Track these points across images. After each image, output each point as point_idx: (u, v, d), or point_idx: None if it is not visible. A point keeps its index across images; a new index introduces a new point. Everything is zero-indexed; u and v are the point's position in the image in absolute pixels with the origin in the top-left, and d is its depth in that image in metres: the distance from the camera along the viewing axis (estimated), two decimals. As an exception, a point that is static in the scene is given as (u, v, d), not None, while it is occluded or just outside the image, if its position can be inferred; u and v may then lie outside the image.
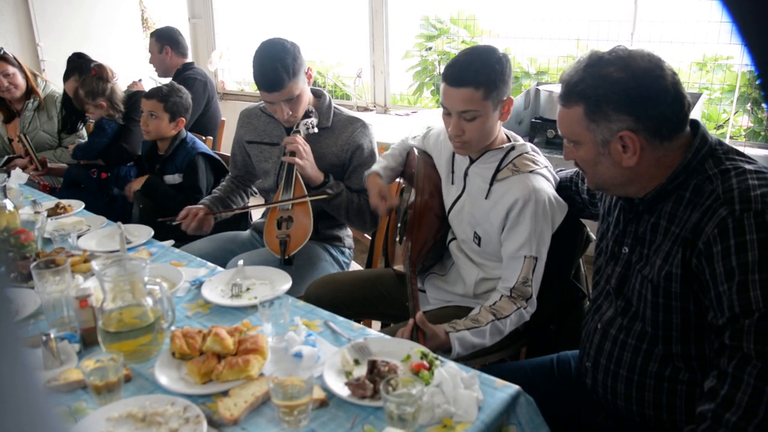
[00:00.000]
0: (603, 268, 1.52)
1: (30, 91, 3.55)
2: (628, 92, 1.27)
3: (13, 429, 0.29)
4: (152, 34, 3.95)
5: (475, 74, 1.66)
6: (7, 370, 0.30)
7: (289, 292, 1.75)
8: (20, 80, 3.50)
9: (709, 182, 1.26)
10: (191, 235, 2.33)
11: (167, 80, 3.49)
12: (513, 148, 1.79)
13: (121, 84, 3.36)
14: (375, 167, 2.12)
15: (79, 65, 3.27)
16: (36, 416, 0.31)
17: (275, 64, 2.07)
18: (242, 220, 2.77)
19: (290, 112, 2.16)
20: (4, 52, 3.46)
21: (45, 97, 3.57)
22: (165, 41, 3.93)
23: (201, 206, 2.35)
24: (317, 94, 2.31)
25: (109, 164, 3.22)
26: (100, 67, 3.15)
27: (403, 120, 4.49)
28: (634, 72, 1.27)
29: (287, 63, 2.08)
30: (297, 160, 2.10)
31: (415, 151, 2.05)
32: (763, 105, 3.50)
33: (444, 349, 1.64)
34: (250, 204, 2.63)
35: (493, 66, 1.67)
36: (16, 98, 3.53)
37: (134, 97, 3.27)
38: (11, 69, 3.45)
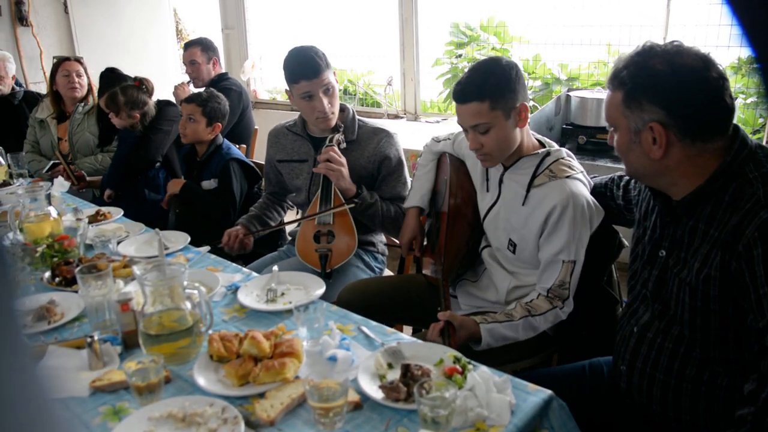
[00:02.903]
0: (639, 273, 1.51)
1: (84, 98, 3.74)
2: (663, 85, 1.27)
3: None
4: (195, 44, 4.02)
5: (478, 88, 1.70)
6: (15, 379, 0.31)
7: (322, 298, 1.78)
8: (85, 85, 3.73)
9: (750, 186, 1.25)
10: (234, 255, 2.39)
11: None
12: (548, 153, 1.79)
13: (163, 87, 3.46)
14: (413, 200, 2.14)
15: (112, 80, 3.38)
16: (44, 424, 0.33)
17: (308, 53, 2.18)
18: (279, 238, 2.81)
19: (329, 105, 2.21)
20: (81, 58, 3.81)
21: (97, 103, 3.70)
22: (212, 52, 4.03)
23: (239, 227, 2.41)
24: (341, 108, 2.35)
25: (131, 173, 3.30)
26: (144, 81, 3.23)
27: (434, 127, 4.51)
28: (676, 67, 1.26)
29: (319, 53, 2.20)
30: (331, 172, 2.13)
31: (447, 156, 2.07)
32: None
33: (475, 339, 1.69)
34: (285, 218, 2.68)
35: (496, 76, 1.70)
36: (73, 99, 3.70)
37: (158, 106, 3.36)
38: (83, 72, 3.72)
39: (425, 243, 2.17)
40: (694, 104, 1.26)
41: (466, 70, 1.79)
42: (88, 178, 3.44)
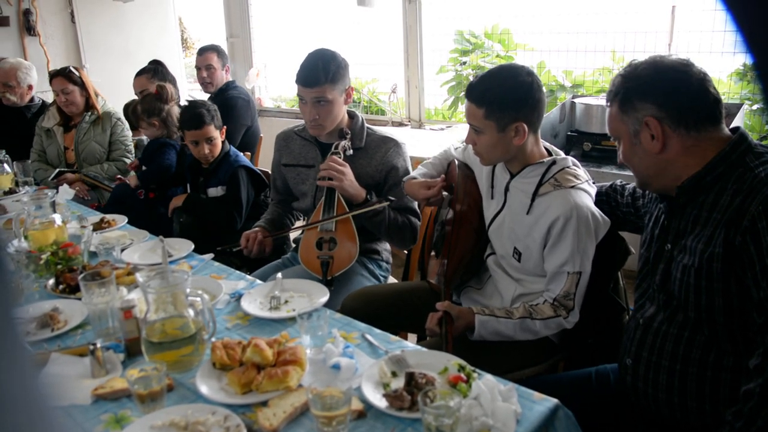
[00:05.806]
0: (647, 271, 1.54)
1: (89, 107, 3.68)
2: (650, 83, 1.37)
3: None
4: (210, 50, 4.02)
5: (480, 92, 1.71)
6: (14, 386, 0.31)
7: (326, 305, 1.77)
8: (78, 98, 3.62)
9: (751, 171, 1.30)
10: (253, 258, 2.36)
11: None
12: (554, 162, 1.78)
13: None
14: (413, 173, 2.15)
15: (155, 68, 3.46)
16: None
17: (317, 62, 2.16)
18: (284, 245, 2.80)
19: (316, 117, 2.20)
20: (70, 70, 3.62)
21: (102, 113, 3.68)
22: (226, 59, 4.05)
23: (258, 229, 2.39)
24: (350, 115, 2.35)
25: (161, 187, 3.25)
26: (162, 88, 3.22)
27: (438, 135, 4.50)
28: (658, 67, 1.38)
29: (329, 67, 2.16)
30: (333, 182, 2.13)
31: (456, 162, 2.06)
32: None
33: (471, 329, 1.72)
34: (297, 224, 2.66)
35: (503, 89, 1.70)
36: (74, 113, 3.67)
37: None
38: (71, 87, 3.58)
39: (432, 253, 2.16)
40: (681, 94, 1.35)
41: (482, 72, 1.79)
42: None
